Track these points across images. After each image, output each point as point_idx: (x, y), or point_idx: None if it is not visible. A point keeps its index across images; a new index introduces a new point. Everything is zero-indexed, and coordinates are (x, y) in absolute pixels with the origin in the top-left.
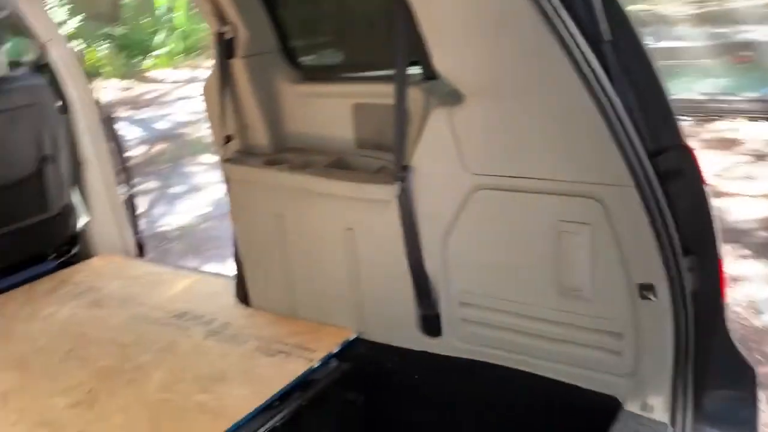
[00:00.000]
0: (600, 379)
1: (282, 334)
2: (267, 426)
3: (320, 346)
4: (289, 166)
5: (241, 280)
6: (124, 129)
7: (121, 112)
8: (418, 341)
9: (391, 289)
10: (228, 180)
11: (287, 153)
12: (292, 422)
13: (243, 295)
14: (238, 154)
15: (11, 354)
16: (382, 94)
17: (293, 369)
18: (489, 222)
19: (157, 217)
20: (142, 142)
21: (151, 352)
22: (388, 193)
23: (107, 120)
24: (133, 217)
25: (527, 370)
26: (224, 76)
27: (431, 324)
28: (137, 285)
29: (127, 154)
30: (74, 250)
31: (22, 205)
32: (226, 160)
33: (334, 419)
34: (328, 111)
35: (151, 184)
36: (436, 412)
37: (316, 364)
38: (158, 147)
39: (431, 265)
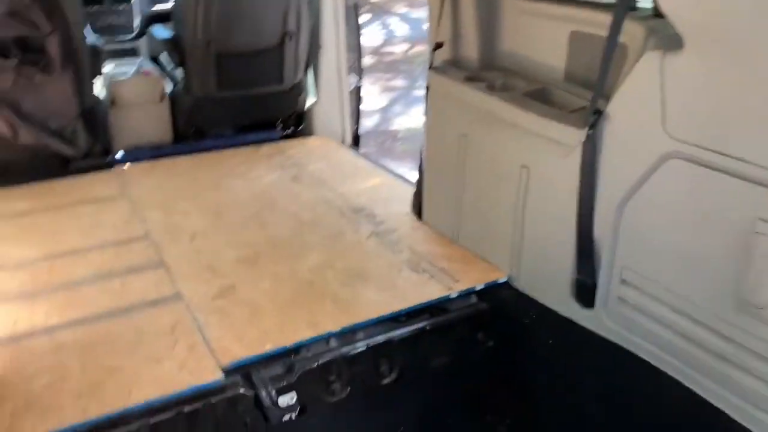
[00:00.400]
0: None
1: (436, 255)
2: (385, 335)
3: (466, 278)
4: (486, 85)
5: (418, 193)
6: (394, 24)
7: (396, 8)
8: (566, 306)
9: (553, 242)
10: (428, 89)
11: (492, 72)
12: (410, 340)
13: (417, 208)
14: (445, 63)
15: (213, 202)
16: (603, 24)
17: (430, 291)
18: (675, 199)
19: (392, 115)
20: (405, 40)
21: (319, 236)
22: (573, 137)
23: (352, 9)
24: (357, 108)
25: (681, 380)
26: None
27: (585, 293)
28: (336, 171)
29: (362, 46)
30: (298, 127)
31: (263, 73)
32: (431, 68)
33: (454, 352)
34: (544, 34)
35: (399, 82)
36: (561, 382)
37: (453, 294)
38: (418, 48)
39: (600, 230)
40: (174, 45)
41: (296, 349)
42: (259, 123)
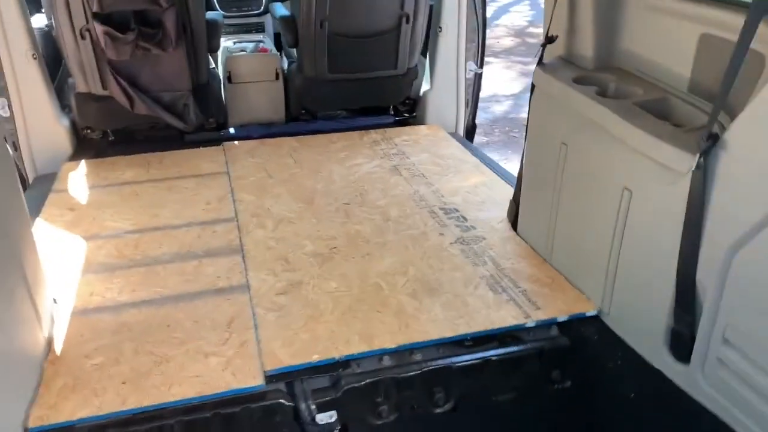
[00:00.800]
0: None
1: (521, 273)
2: (445, 360)
3: (549, 306)
4: (596, 90)
5: (515, 202)
6: (529, 8)
7: None
8: (658, 355)
9: (651, 280)
10: (533, 88)
11: (607, 73)
12: (472, 369)
13: (513, 217)
14: (556, 60)
15: (308, 187)
16: (739, 28)
17: (504, 316)
18: None
19: (525, 102)
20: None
21: (401, 235)
22: (681, 162)
23: None
24: (475, 97)
25: None
26: None
27: (681, 345)
28: (439, 165)
29: (485, 33)
30: (411, 114)
31: (376, 57)
32: (539, 64)
33: (522, 388)
34: (670, 35)
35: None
36: None
37: (529, 323)
38: None
39: (704, 276)
40: (289, 24)
41: (345, 363)
42: (372, 107)
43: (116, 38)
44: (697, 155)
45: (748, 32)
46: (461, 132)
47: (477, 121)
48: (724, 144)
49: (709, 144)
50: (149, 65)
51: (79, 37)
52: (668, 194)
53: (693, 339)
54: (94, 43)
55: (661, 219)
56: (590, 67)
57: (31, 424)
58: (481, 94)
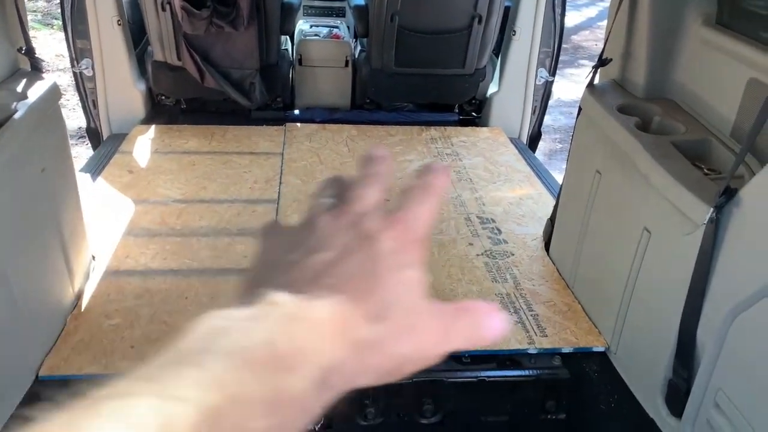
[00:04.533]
0: None
1: (539, 297)
2: (438, 374)
3: (557, 335)
4: (637, 122)
5: (551, 221)
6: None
7: None
8: (652, 405)
9: (658, 326)
10: (580, 110)
11: (654, 104)
12: (465, 387)
13: (547, 237)
14: (608, 84)
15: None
16: None
17: (509, 338)
18: None
19: None
20: None
21: (432, 239)
22: (697, 211)
23: None
24: (543, 105)
25: None
26: None
27: (675, 398)
28: (489, 171)
29: (562, 40)
30: (478, 115)
31: (444, 55)
32: (589, 85)
33: (514, 414)
34: (721, 74)
35: None
36: None
37: (532, 350)
38: None
39: (703, 334)
40: (362, 13)
41: None
42: (438, 104)
43: (192, 13)
44: (712, 208)
45: None
46: (524, 139)
47: (558, 125)
48: (739, 201)
49: (724, 199)
50: (221, 42)
51: (159, 9)
52: (684, 243)
53: (688, 395)
54: (173, 16)
55: (673, 267)
56: (640, 95)
57: (42, 372)
58: (567, 99)
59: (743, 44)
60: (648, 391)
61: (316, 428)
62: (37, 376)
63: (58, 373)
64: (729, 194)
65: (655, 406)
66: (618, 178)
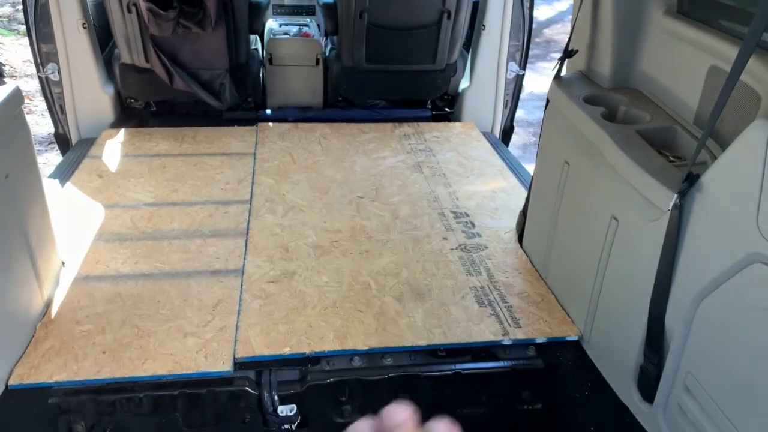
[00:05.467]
0: None
1: (512, 288)
2: (414, 369)
3: (531, 326)
4: (603, 112)
5: (523, 216)
6: None
7: None
8: (625, 391)
9: (628, 313)
10: (548, 102)
11: (620, 94)
12: (440, 380)
13: (520, 229)
14: (574, 75)
15: (327, 176)
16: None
17: (483, 330)
18: (752, 314)
19: None
20: None
21: (405, 236)
22: (661, 198)
23: None
24: (514, 99)
25: None
26: None
27: (647, 384)
28: (462, 165)
29: (531, 34)
30: (450, 110)
31: (415, 51)
32: (556, 77)
33: (490, 405)
34: (683, 63)
35: None
36: None
37: (506, 341)
38: None
39: (672, 319)
40: (330, 11)
41: (316, 359)
42: (410, 100)
43: (158, 15)
44: (675, 194)
45: (737, 67)
46: (497, 133)
47: (533, 119)
48: (701, 186)
49: (686, 185)
50: (189, 43)
51: (125, 11)
52: (650, 230)
53: (658, 380)
54: (140, 18)
55: (641, 254)
56: (607, 85)
57: (11, 381)
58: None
59: (703, 32)
60: (621, 378)
61: (292, 427)
62: (6, 386)
63: (28, 382)
64: (691, 180)
65: (628, 393)
66: (586, 168)
